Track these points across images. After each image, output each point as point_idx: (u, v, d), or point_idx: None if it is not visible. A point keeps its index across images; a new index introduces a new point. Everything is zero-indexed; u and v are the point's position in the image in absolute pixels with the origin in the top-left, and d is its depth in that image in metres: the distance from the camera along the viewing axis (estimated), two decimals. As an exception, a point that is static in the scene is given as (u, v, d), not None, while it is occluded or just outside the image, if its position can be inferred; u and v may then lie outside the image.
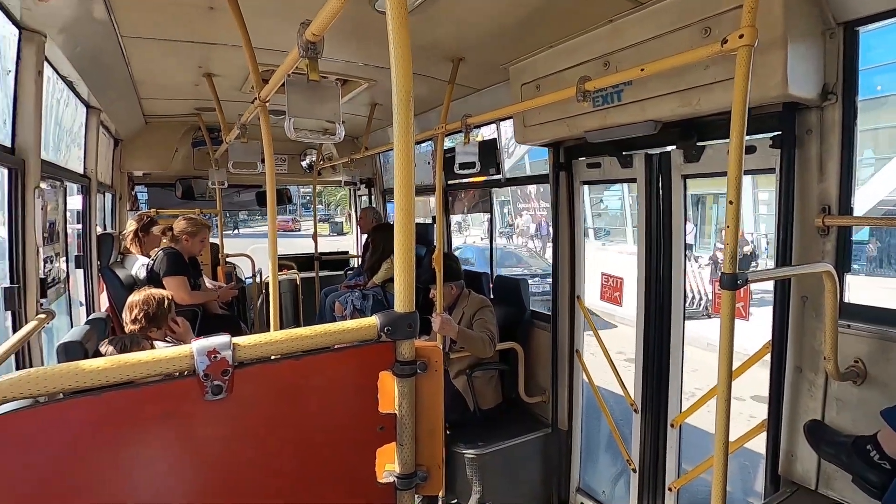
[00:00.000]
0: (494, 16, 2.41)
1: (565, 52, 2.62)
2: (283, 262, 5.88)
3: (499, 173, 4.05)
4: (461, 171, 3.23)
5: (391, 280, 4.68)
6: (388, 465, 1.06)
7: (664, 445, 2.80)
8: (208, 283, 4.43)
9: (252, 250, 6.25)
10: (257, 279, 5.62)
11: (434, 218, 4.66)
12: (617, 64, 2.34)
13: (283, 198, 6.32)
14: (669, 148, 2.62)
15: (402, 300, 1.00)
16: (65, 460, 0.79)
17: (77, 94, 3.13)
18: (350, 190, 6.92)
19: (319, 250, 6.13)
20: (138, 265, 3.94)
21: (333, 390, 1.01)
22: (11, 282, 2.01)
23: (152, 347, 2.46)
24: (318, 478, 1.02)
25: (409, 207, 0.99)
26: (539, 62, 2.79)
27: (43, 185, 2.17)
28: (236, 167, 3.34)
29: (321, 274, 6.04)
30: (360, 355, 1.00)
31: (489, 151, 3.95)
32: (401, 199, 0.99)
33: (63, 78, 2.78)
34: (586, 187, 3.26)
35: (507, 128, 4.09)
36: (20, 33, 2.00)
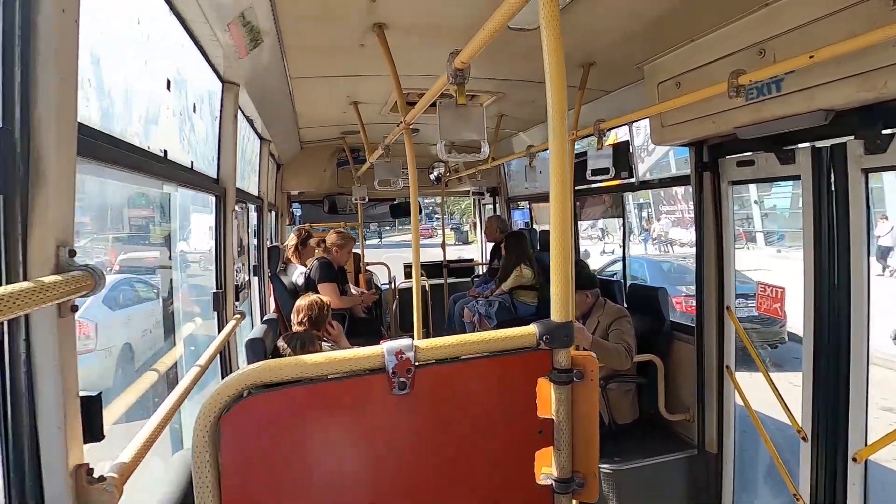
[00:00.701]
0: (629, 15, 2.34)
1: (709, 44, 2.43)
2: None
3: (631, 176, 3.88)
4: (593, 178, 3.16)
5: (520, 287, 4.74)
6: (545, 467, 1.10)
7: (843, 482, 2.42)
8: (353, 289, 4.93)
9: (385, 259, 6.79)
10: (392, 286, 6.08)
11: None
12: (774, 51, 2.11)
13: None
14: (845, 139, 2.29)
15: (559, 309, 1.04)
16: (295, 435, 0.98)
17: (255, 130, 3.74)
18: (475, 199, 7.14)
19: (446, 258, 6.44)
20: (297, 273, 4.53)
21: (495, 393, 1.09)
22: (217, 288, 2.48)
23: (321, 347, 2.82)
24: (480, 473, 1.10)
25: (564, 215, 1.02)
26: (678, 58, 2.64)
27: (236, 208, 2.64)
28: (381, 184, 3.66)
29: (449, 281, 6.33)
30: (520, 362, 1.06)
31: (621, 154, 3.81)
32: (557, 205, 1.01)
33: (246, 117, 3.34)
34: (753, 186, 2.97)
35: (641, 128, 3.90)
36: (223, 86, 2.48)
